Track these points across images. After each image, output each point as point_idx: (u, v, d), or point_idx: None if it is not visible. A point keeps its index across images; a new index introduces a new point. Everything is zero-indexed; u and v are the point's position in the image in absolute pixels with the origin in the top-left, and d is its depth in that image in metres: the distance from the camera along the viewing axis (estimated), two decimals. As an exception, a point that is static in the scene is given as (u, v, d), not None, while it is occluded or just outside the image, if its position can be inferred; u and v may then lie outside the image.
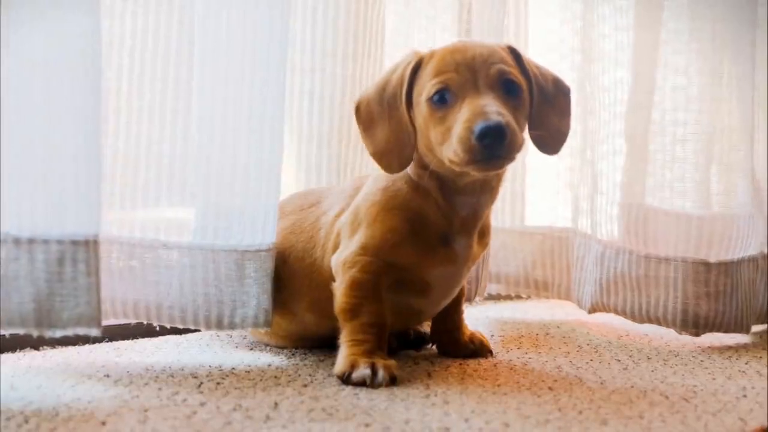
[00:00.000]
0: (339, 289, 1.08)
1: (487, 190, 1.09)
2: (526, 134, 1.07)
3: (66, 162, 0.96)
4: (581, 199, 1.49)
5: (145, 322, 1.13)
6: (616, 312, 1.42)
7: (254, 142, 1.11)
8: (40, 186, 0.95)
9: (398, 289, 1.09)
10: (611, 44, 1.43)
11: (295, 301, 1.16)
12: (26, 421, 0.84)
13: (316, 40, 1.32)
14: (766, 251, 1.46)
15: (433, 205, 1.08)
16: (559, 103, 1.11)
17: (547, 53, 1.57)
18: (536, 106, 1.07)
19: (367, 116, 1.09)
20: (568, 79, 1.52)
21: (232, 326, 1.12)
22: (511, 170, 1.56)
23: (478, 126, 0.96)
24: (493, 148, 0.96)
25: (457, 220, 1.08)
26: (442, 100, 1.02)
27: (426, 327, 1.27)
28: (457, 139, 0.98)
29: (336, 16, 1.33)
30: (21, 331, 0.95)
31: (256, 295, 1.12)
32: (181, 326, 1.13)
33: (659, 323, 1.38)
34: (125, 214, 1.12)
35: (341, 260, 1.08)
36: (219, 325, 1.12)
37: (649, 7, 1.43)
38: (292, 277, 1.15)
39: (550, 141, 1.10)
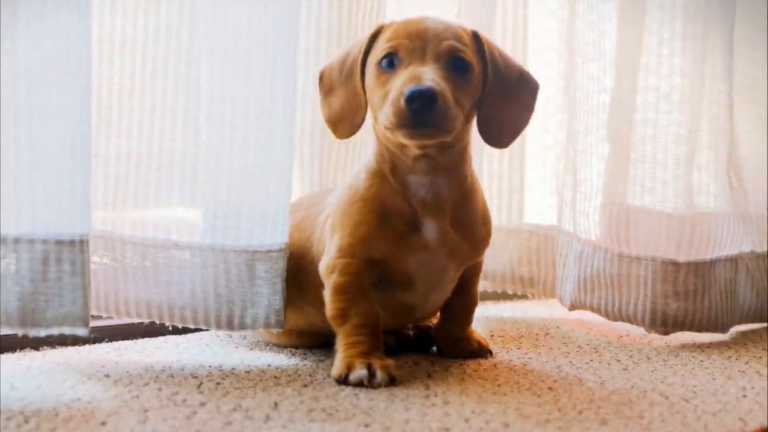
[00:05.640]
0: (326, 295, 1.08)
1: (441, 170, 1.07)
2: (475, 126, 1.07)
3: (53, 162, 0.95)
4: (566, 197, 1.49)
5: (146, 321, 1.14)
6: (592, 310, 1.42)
7: (264, 141, 1.11)
8: (27, 186, 0.95)
9: (383, 285, 1.09)
10: (597, 46, 1.42)
11: (300, 296, 1.15)
12: (26, 421, 0.84)
13: (300, 37, 1.31)
14: (765, 250, 1.46)
15: (390, 189, 1.08)
16: (522, 97, 1.11)
17: (545, 51, 1.57)
18: (491, 93, 1.07)
19: (328, 84, 1.11)
20: (562, 77, 1.53)
21: (243, 327, 1.13)
22: (508, 167, 1.58)
23: (408, 89, 0.97)
24: (421, 114, 0.97)
25: (416, 201, 1.07)
26: (390, 64, 1.03)
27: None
28: (389, 101, 0.99)
29: (319, 14, 1.32)
30: (5, 330, 0.96)
31: (267, 295, 1.12)
32: (192, 326, 1.14)
33: (630, 321, 1.38)
34: (139, 213, 1.13)
35: (323, 266, 1.09)
36: (230, 326, 1.12)
37: (633, 8, 1.42)
38: (297, 273, 1.15)
39: (499, 130, 1.10)
